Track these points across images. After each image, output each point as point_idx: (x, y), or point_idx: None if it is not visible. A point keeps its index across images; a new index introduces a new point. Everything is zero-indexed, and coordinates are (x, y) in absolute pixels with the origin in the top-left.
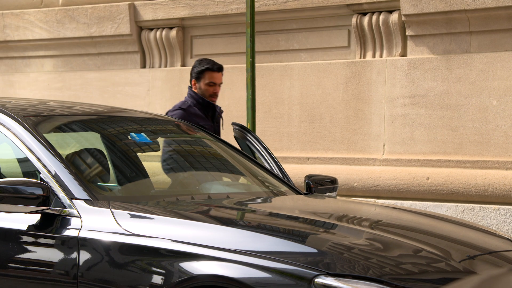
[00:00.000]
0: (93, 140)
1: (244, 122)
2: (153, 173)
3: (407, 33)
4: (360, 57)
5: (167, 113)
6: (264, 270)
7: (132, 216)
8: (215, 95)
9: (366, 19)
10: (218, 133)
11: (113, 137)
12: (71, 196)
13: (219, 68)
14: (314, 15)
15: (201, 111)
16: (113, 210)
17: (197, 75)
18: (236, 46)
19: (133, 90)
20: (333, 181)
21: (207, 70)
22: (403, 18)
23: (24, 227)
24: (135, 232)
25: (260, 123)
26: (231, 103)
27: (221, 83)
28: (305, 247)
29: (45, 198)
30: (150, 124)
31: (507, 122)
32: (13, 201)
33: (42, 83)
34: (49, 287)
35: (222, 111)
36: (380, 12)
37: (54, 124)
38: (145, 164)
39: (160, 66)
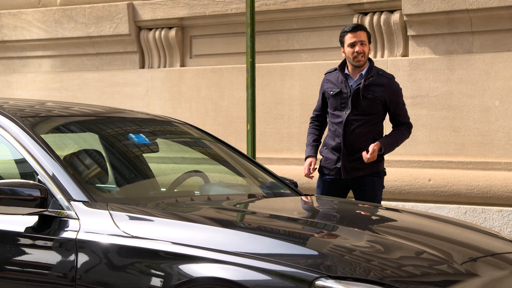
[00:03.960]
0: (91, 141)
1: (244, 123)
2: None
3: (408, 33)
4: None
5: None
6: (264, 273)
7: (131, 218)
8: (359, 55)
9: (367, 19)
10: (352, 101)
11: (111, 138)
12: (69, 198)
13: (355, 28)
14: (314, 15)
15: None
16: (111, 212)
17: (341, 42)
18: (236, 46)
19: (132, 91)
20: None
21: (344, 33)
22: (405, 18)
23: (21, 229)
24: (134, 234)
25: (260, 124)
26: (231, 103)
27: (363, 40)
28: (306, 249)
29: (43, 199)
30: (148, 125)
31: (509, 123)
32: (10, 203)
33: (40, 84)
34: None
35: (369, 77)
36: (382, 12)
37: (52, 125)
38: (145, 165)
39: (159, 67)
